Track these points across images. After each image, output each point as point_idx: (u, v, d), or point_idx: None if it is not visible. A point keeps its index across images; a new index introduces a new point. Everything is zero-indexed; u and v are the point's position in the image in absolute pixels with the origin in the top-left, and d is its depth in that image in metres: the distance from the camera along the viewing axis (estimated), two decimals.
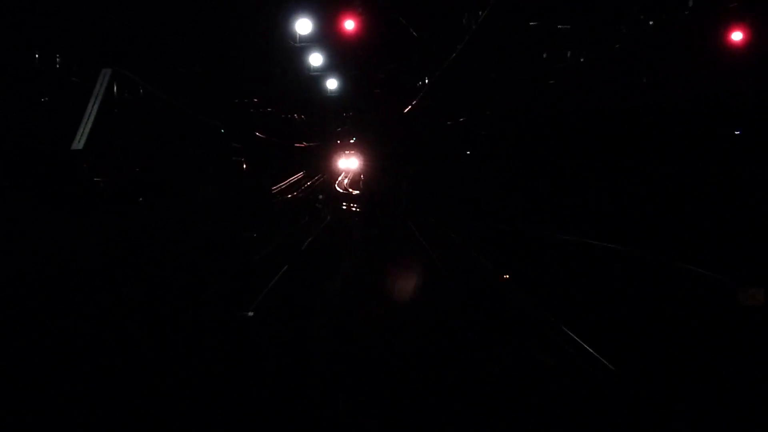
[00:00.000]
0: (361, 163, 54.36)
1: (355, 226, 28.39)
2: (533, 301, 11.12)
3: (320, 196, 38.92)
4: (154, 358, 8.47)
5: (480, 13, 22.63)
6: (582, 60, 20.35)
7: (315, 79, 35.50)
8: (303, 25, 24.48)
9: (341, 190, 52.15)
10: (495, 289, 12.92)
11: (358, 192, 48.86)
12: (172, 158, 18.58)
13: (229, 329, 10.20)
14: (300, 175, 48.32)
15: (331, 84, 36.41)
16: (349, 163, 57.73)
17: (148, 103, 17.03)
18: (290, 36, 27.13)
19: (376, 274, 14.59)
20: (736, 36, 13.71)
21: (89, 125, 13.56)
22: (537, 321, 9.99)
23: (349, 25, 17.65)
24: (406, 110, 39.71)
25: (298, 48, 28.44)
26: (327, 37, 26.49)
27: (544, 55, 22.15)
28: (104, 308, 10.41)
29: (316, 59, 29.59)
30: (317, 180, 52.80)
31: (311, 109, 48.45)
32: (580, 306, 10.51)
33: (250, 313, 10.89)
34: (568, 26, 20.34)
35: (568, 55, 20.97)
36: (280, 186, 40.30)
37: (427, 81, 34.65)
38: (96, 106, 13.89)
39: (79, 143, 13.33)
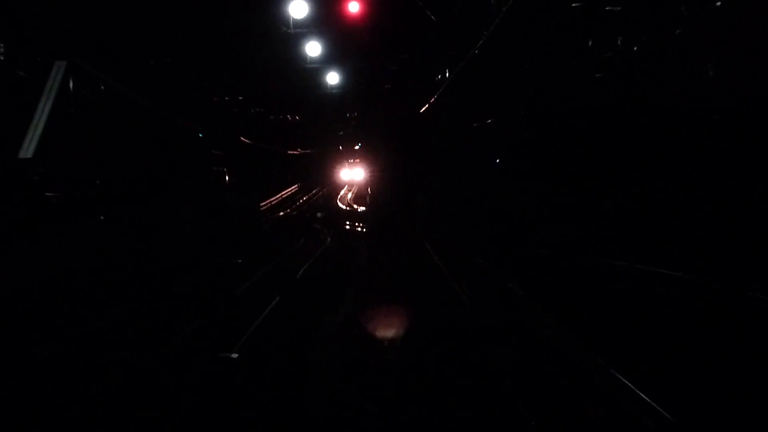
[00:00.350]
0: (368, 173, 54.26)
1: (361, 250, 28.37)
2: (580, 342, 11.08)
3: (319, 214, 38.99)
4: (119, 408, 8.48)
5: None
6: (635, 48, 20.31)
7: (312, 72, 35.63)
8: (298, 8, 24.57)
9: (344, 207, 52.26)
10: (534, 328, 12.87)
11: (364, 209, 48.85)
12: (139, 168, 18.66)
13: (209, 373, 10.21)
14: (294, 188, 48.44)
15: (332, 78, 36.56)
16: (353, 174, 57.77)
17: (111, 101, 17.12)
18: (283, 21, 27.23)
19: (387, 310, 14.55)
20: None
21: (40, 129, 13.63)
22: (582, 363, 9.96)
23: (354, 7, 17.69)
24: (422, 109, 39.72)
25: (292, 35, 28.53)
26: (327, 21, 26.61)
27: (590, 43, 22.13)
28: (57, 350, 10.43)
29: (313, 49, 29.74)
30: (315, 194, 52.93)
31: (308, 109, 48.57)
32: (636, 347, 10.46)
33: (234, 355, 10.90)
34: (618, 7, 20.31)
35: (619, 42, 20.94)
36: (271, 201, 40.36)
37: (448, 74, 34.61)
38: (48, 106, 13.97)
39: (27, 151, 13.39)
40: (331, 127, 55.89)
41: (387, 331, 12.79)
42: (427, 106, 38.87)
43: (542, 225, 22.28)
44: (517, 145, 27.87)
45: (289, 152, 48.48)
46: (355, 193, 58.18)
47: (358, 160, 56.92)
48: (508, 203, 26.58)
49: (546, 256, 19.76)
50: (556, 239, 20.35)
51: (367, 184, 55.45)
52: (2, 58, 15.61)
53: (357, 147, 57.65)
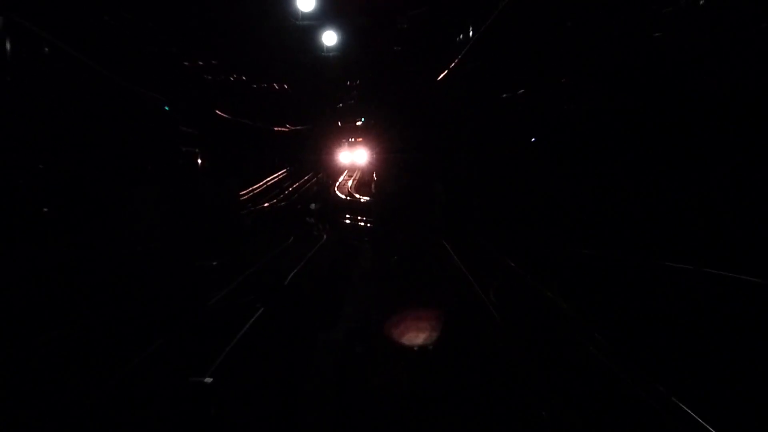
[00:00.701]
0: (373, 155, 54.13)
1: (365, 250, 28.26)
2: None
3: (312, 205, 38.82)
4: None
5: None
6: (701, 2, 20.12)
7: (305, 31, 35.37)
8: None
9: (343, 196, 52.14)
10: (580, 349, 12.72)
11: (368, 199, 48.72)
12: (92, 149, 18.53)
13: (178, 402, 10.10)
14: (282, 173, 48.29)
15: (329, 39, 36.33)
16: (354, 156, 57.63)
17: (58, 66, 16.98)
18: None
19: (396, 326, 14.39)
20: None
21: None
22: (640, 392, 9.84)
23: None
24: (440, 77, 39.49)
25: None
26: None
27: None
28: None
29: (306, 2, 29.50)
30: (308, 181, 52.82)
31: (299, 77, 48.27)
32: (706, 370, 10.33)
33: (208, 379, 10.80)
34: None
35: None
36: (253, 190, 40.24)
37: (471, 33, 34.36)
38: None
39: None
40: (328, 98, 55.54)
41: (397, 353, 12.65)
42: (446, 72, 38.60)
43: (589, 220, 22.08)
44: (557, 121, 27.65)
45: (275, 129, 48.30)
46: (357, 180, 58.06)
47: (360, 140, 56.83)
48: (547, 192, 26.35)
49: (592, 257, 19.60)
50: (605, 237, 20.18)
51: (371, 168, 55.21)
52: None
53: (359, 123, 57.44)
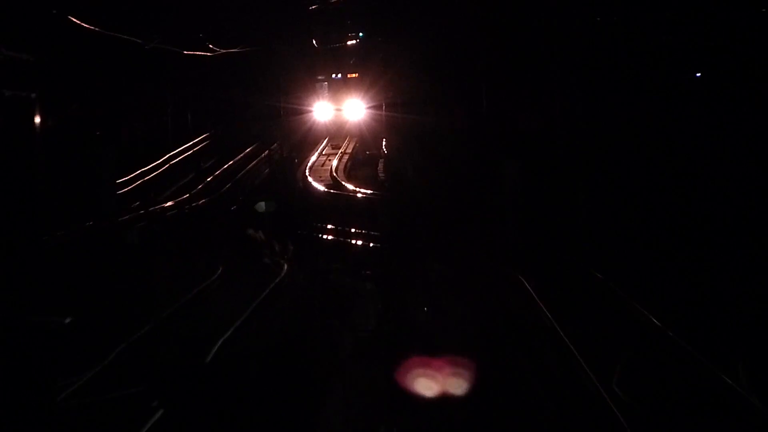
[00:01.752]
0: (380, 109, 54.10)
1: (365, 294, 27.98)
2: None
3: (262, 205, 38.87)
4: None
5: None
6: None
7: None
8: None
9: (322, 188, 51.97)
10: None
11: (371, 193, 48.50)
12: None
13: None
14: (201, 142, 48.40)
15: None
16: (343, 111, 57.68)
17: None
18: None
19: None
20: None
21: None
22: None
23: None
24: None
25: None
26: None
27: None
28: None
29: None
30: (252, 157, 52.99)
31: None
32: None
33: None
34: None
35: None
36: (145, 175, 40.35)
37: None
38: None
39: None
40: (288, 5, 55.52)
41: None
42: None
43: None
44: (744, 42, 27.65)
45: (188, 54, 48.32)
46: (350, 155, 58.09)
47: (354, 76, 56.99)
48: (727, 175, 26.29)
49: None
50: None
51: (375, 132, 55.06)
52: None
53: (351, 43, 57.50)
